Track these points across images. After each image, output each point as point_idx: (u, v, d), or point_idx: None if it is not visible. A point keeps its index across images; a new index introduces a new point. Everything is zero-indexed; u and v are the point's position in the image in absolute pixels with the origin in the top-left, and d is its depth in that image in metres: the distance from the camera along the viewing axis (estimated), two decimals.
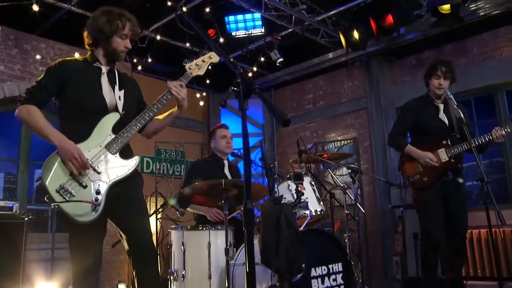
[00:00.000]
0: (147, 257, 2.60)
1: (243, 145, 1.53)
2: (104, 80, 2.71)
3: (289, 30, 6.59)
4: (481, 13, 5.92)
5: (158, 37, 5.87)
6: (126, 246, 2.61)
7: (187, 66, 2.90)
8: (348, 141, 7.65)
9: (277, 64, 6.86)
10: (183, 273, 3.49)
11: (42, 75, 2.64)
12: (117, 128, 2.64)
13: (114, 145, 2.59)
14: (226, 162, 4.53)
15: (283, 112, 1.76)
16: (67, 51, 6.15)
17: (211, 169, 4.36)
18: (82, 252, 2.52)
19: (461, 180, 3.90)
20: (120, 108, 2.70)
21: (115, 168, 2.56)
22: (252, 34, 6.38)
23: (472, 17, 5.94)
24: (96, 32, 2.68)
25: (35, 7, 4.80)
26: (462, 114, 3.75)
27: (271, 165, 3.24)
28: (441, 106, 4.07)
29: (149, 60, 6.08)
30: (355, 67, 7.76)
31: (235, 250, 3.55)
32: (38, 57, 5.91)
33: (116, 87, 2.73)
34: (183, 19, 5.65)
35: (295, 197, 3.53)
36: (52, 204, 2.35)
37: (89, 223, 2.41)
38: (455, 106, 3.79)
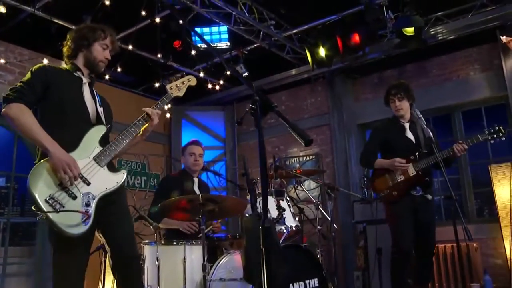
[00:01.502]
0: (132, 268, 2.59)
1: (260, 165, 1.51)
2: (86, 89, 2.68)
3: (255, 45, 6.61)
4: (440, 37, 6.21)
5: (130, 47, 5.72)
6: (110, 261, 2.55)
7: (167, 86, 3.02)
8: (310, 157, 7.73)
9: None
10: None
11: (27, 76, 2.53)
12: (103, 142, 2.60)
13: (102, 158, 2.54)
14: (196, 179, 4.52)
15: (305, 133, 1.75)
16: (28, 57, 5.86)
17: (180, 185, 4.35)
18: (68, 268, 2.41)
19: (429, 197, 4.05)
20: (104, 122, 2.68)
21: (104, 181, 2.49)
22: (217, 47, 6.37)
23: (432, 40, 6.21)
24: (78, 39, 2.69)
25: (2, 9, 4.50)
26: (431, 134, 3.88)
27: (254, 181, 3.23)
28: (407, 125, 4.26)
29: (119, 69, 5.90)
30: (318, 84, 7.86)
31: (210, 266, 3.49)
32: (2, 61, 5.58)
33: (98, 103, 2.71)
34: (156, 29, 5.57)
35: (275, 212, 3.52)
36: (40, 215, 2.22)
37: (78, 237, 2.30)
38: (425, 126, 3.92)
